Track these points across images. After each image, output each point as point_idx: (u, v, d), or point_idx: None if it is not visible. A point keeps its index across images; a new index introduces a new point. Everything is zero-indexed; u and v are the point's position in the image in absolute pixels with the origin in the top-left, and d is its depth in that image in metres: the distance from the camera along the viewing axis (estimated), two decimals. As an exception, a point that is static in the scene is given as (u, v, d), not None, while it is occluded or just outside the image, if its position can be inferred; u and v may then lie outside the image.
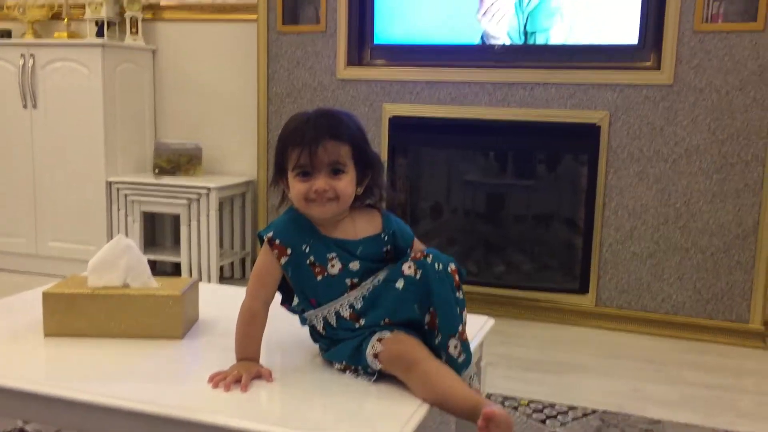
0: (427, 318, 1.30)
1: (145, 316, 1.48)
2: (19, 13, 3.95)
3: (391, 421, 1.18)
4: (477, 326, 1.62)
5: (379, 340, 1.30)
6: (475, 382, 1.33)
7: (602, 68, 3.00)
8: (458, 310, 1.31)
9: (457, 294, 1.32)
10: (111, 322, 1.48)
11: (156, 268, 3.84)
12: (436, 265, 1.30)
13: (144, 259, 1.56)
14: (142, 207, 3.52)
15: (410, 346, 1.29)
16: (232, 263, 3.76)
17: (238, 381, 1.28)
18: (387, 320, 1.33)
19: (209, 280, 3.47)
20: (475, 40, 3.12)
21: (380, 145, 3.23)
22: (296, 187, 1.34)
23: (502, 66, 3.11)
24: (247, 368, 1.31)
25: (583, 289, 3.08)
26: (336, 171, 1.33)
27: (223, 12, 3.72)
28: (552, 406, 2.22)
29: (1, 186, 3.74)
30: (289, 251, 1.35)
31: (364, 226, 1.40)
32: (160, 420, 1.18)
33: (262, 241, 1.38)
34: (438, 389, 1.24)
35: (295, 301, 1.39)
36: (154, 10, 3.83)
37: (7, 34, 3.92)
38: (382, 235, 1.40)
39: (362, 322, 1.35)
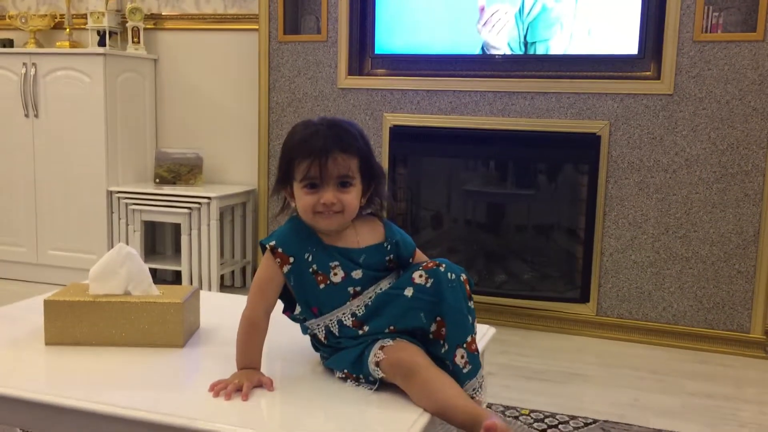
0: (433, 327, 1.30)
1: (147, 324, 1.48)
2: (21, 22, 3.97)
3: (392, 428, 1.18)
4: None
5: (381, 348, 1.30)
6: (479, 394, 1.32)
7: (602, 78, 3.01)
8: (470, 319, 1.31)
9: (469, 303, 1.32)
10: (112, 330, 1.48)
11: (156, 277, 3.82)
12: (449, 275, 1.30)
13: (145, 267, 1.56)
14: (142, 216, 3.52)
15: (412, 353, 1.28)
16: (232, 272, 3.76)
17: (239, 390, 1.28)
18: (392, 328, 1.32)
19: (210, 289, 3.47)
20: (476, 50, 3.13)
21: (381, 154, 3.23)
22: (304, 199, 1.33)
23: (502, 76, 3.12)
24: (248, 377, 1.31)
25: (584, 299, 3.08)
26: (343, 183, 1.33)
27: (225, 22, 3.74)
28: (553, 415, 2.21)
29: (2, 194, 3.75)
30: (291, 260, 1.34)
31: (367, 235, 1.40)
32: (161, 428, 1.18)
33: (264, 250, 1.38)
34: (438, 398, 1.23)
35: (298, 309, 1.39)
36: (156, 19, 3.85)
37: (10, 43, 3.93)
38: (385, 244, 1.40)
39: (366, 329, 1.35)
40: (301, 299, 1.37)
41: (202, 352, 1.50)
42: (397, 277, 1.39)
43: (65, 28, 3.91)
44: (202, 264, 3.48)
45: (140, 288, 1.53)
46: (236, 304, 1.94)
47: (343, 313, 1.36)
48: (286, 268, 1.35)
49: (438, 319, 1.29)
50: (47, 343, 1.48)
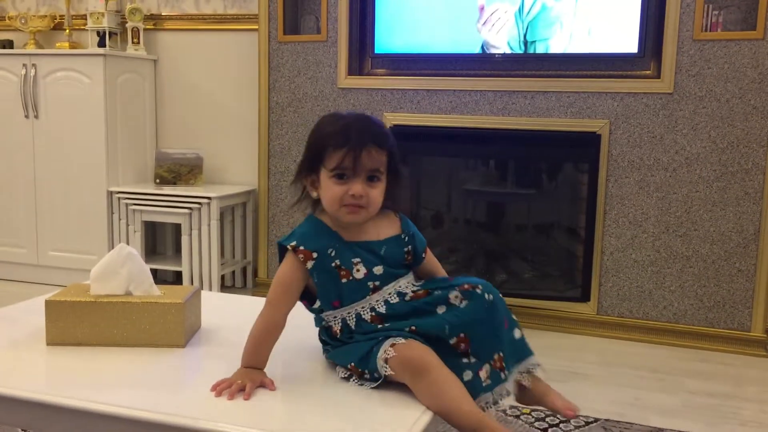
0: (453, 340, 1.30)
1: (148, 324, 1.48)
2: (21, 23, 3.97)
3: (395, 426, 1.18)
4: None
5: (392, 345, 1.29)
6: (491, 408, 1.32)
7: (602, 77, 3.01)
8: (501, 339, 1.34)
9: (512, 316, 1.38)
10: (113, 330, 1.48)
11: (157, 277, 3.80)
12: (487, 296, 1.33)
13: (146, 267, 1.56)
14: (143, 216, 3.52)
15: (423, 352, 1.28)
16: (233, 272, 3.76)
17: (242, 390, 1.28)
18: (413, 328, 1.32)
19: (210, 289, 3.47)
20: (476, 50, 3.13)
21: (381, 153, 3.23)
22: (332, 189, 1.33)
23: (502, 75, 3.12)
24: (251, 377, 1.30)
25: (585, 298, 3.08)
26: (371, 178, 1.34)
27: (224, 22, 3.74)
28: (554, 414, 2.22)
29: (3, 195, 3.75)
30: (315, 255, 1.34)
31: (385, 228, 1.42)
32: (162, 428, 1.18)
33: (281, 251, 1.38)
34: (445, 400, 1.24)
35: (317, 303, 1.38)
36: (156, 20, 3.85)
37: (9, 44, 3.94)
38: (403, 236, 1.42)
39: (386, 325, 1.35)
40: (323, 293, 1.36)
41: (203, 352, 1.50)
42: (414, 276, 1.42)
43: (65, 29, 3.92)
44: (202, 264, 3.48)
45: (141, 288, 1.52)
46: (237, 304, 1.95)
47: (362, 307, 1.36)
48: (310, 264, 1.34)
49: (461, 335, 1.30)
50: (48, 344, 1.48)
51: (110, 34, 3.79)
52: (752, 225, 2.83)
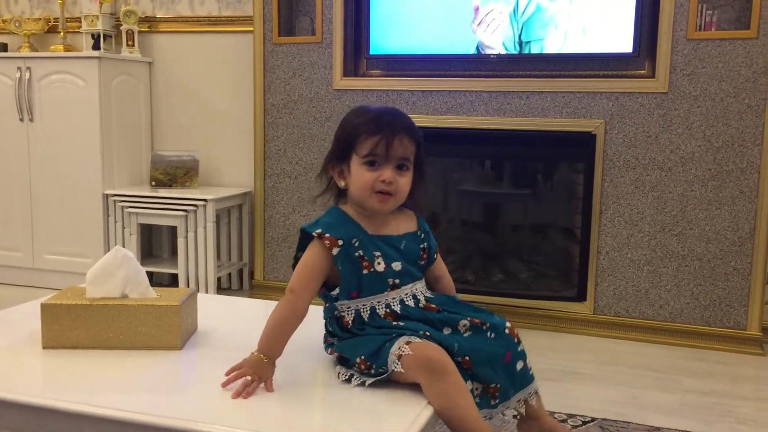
0: (459, 358, 1.33)
1: (144, 327, 1.48)
2: (15, 26, 3.96)
3: (396, 420, 1.19)
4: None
5: (408, 343, 1.30)
6: (489, 422, 1.36)
7: (597, 77, 3.02)
8: (503, 374, 1.38)
9: (518, 348, 1.42)
10: (109, 333, 1.48)
11: (153, 280, 3.83)
12: (489, 334, 1.38)
13: (142, 269, 1.56)
14: (138, 219, 3.52)
15: (443, 355, 1.30)
16: (229, 274, 3.76)
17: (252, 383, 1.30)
18: (427, 334, 1.34)
19: (207, 292, 3.46)
20: (471, 50, 3.13)
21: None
22: (364, 176, 1.37)
23: (497, 75, 3.13)
24: (261, 373, 1.31)
25: (581, 297, 3.09)
26: (401, 166, 1.38)
27: (219, 24, 3.74)
28: (551, 414, 2.21)
29: (-2, 199, 3.74)
30: (340, 242, 1.37)
31: (404, 224, 1.46)
32: (159, 431, 1.18)
33: (303, 237, 1.40)
34: (459, 404, 1.27)
35: (336, 291, 1.39)
36: (150, 22, 3.85)
37: (3, 47, 3.93)
38: (419, 233, 1.47)
39: (400, 324, 1.37)
40: (344, 282, 1.38)
41: (199, 354, 1.50)
42: (426, 285, 1.48)
43: (59, 32, 3.91)
44: (198, 266, 3.47)
45: (137, 291, 1.52)
46: (233, 306, 1.95)
47: (379, 302, 1.39)
48: (335, 251, 1.36)
49: (466, 357, 1.33)
50: (44, 347, 1.48)
51: (105, 36, 3.79)
52: (747, 224, 2.84)
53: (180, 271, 3.49)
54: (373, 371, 1.32)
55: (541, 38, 3.03)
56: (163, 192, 3.53)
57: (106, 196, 3.57)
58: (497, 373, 1.37)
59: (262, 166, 3.46)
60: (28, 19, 3.98)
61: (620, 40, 2.93)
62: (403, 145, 1.37)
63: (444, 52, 3.19)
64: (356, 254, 1.37)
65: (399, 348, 1.30)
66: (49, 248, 3.69)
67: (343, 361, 1.39)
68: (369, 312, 1.38)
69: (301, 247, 1.42)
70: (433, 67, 3.27)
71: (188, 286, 3.47)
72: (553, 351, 2.86)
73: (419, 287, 1.44)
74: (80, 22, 3.83)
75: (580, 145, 3.02)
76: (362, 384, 1.32)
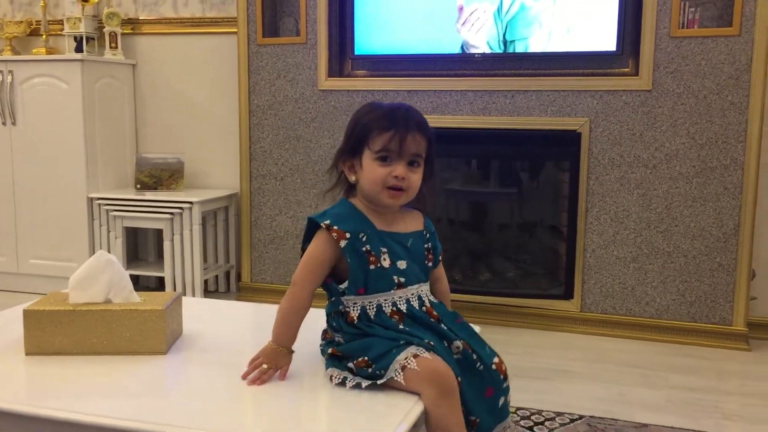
0: (458, 378, 1.34)
1: (128, 332, 1.46)
2: (-3, 29, 3.92)
3: (390, 415, 1.19)
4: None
5: (415, 356, 1.30)
6: None
7: (581, 75, 3.03)
8: (477, 407, 1.38)
9: (504, 384, 1.42)
10: (93, 339, 1.46)
11: (139, 283, 3.81)
12: (477, 365, 1.38)
13: (126, 274, 1.55)
14: (124, 222, 3.50)
15: (452, 373, 1.31)
16: (216, 277, 3.74)
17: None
18: (431, 343, 1.34)
19: (194, 294, 3.44)
20: (455, 50, 3.13)
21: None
22: (377, 171, 1.37)
23: (482, 75, 3.13)
24: (276, 362, 1.35)
25: (568, 295, 3.10)
26: (412, 162, 1.39)
27: (203, 25, 3.72)
28: (539, 412, 2.22)
29: (-19, 204, 3.71)
30: (348, 235, 1.37)
31: (411, 223, 1.47)
32: (144, 436, 1.17)
33: (311, 226, 1.40)
34: (458, 425, 1.30)
35: (344, 284, 1.39)
36: (133, 24, 3.82)
37: (-15, 50, 3.89)
38: (424, 233, 1.49)
39: (406, 328, 1.37)
40: (353, 277, 1.38)
41: (185, 358, 1.49)
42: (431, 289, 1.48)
43: (42, 35, 3.88)
44: (185, 269, 3.46)
45: (121, 295, 1.51)
46: (219, 309, 1.94)
47: (385, 300, 1.39)
48: (343, 243, 1.36)
49: (458, 379, 1.34)
50: (28, 353, 1.47)
51: (88, 39, 3.76)
52: (732, 220, 2.86)
53: (167, 274, 3.47)
54: (370, 371, 1.32)
55: (526, 37, 3.04)
56: (148, 195, 3.51)
57: (91, 200, 3.54)
58: (477, 407, 1.38)
59: (248, 167, 3.45)
60: (10, 22, 3.94)
61: (604, 38, 2.94)
62: (416, 142, 1.38)
63: (429, 52, 3.19)
64: (363, 249, 1.37)
65: (406, 359, 1.30)
66: (33, 253, 3.66)
67: (335, 362, 1.38)
68: (375, 309, 1.38)
69: (308, 237, 1.42)
70: (418, 66, 3.27)
71: (175, 289, 3.45)
72: (541, 349, 2.86)
73: (425, 289, 1.44)
74: (63, 24, 3.80)
75: (566, 144, 3.03)
76: (357, 386, 1.31)
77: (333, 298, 1.43)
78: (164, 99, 3.83)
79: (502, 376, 1.42)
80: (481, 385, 1.39)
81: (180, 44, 3.77)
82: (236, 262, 3.74)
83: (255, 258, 3.49)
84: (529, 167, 3.37)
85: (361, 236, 1.37)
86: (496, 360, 1.42)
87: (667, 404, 2.34)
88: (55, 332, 1.46)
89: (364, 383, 1.31)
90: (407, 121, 1.37)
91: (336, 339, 1.41)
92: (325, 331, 1.47)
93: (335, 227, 1.36)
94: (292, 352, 1.39)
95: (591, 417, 2.20)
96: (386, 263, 1.38)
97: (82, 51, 3.71)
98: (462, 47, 3.13)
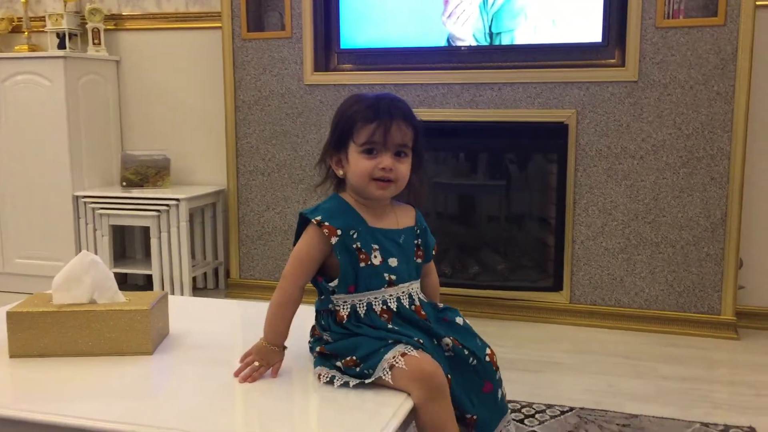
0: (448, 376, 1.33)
1: (113, 332, 1.45)
2: (-22, 27, 3.88)
3: (379, 414, 1.18)
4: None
5: (403, 355, 1.29)
6: None
7: (568, 67, 3.02)
8: (473, 402, 1.37)
9: (496, 375, 1.41)
10: (78, 340, 1.45)
11: (127, 282, 3.79)
12: (470, 360, 1.37)
13: (110, 274, 1.53)
14: (110, 221, 3.47)
15: (442, 372, 1.30)
16: (205, 274, 3.72)
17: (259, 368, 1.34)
18: (420, 341, 1.33)
19: (182, 292, 3.43)
20: (441, 42, 3.12)
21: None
22: (362, 164, 1.36)
23: (468, 67, 3.12)
24: (268, 359, 1.34)
25: (557, 287, 3.10)
26: (399, 153, 1.37)
27: (187, 21, 3.69)
28: (530, 405, 2.22)
29: (-35, 204, 3.67)
30: (339, 232, 1.35)
31: (404, 218, 1.46)
32: (130, 438, 1.16)
33: (302, 221, 1.39)
34: (450, 428, 1.29)
35: (335, 282, 1.37)
36: (116, 20, 3.78)
37: (-34, 48, 3.85)
38: (415, 228, 1.47)
39: (395, 327, 1.35)
40: (343, 275, 1.36)
41: (171, 358, 1.48)
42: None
43: (23, 32, 3.84)
44: (173, 267, 3.43)
45: (106, 296, 1.49)
46: (206, 307, 1.93)
47: (375, 298, 1.37)
48: (334, 240, 1.35)
49: (448, 376, 1.33)
50: (12, 356, 1.45)
51: (70, 35, 3.72)
52: (719, 210, 2.87)
53: (154, 272, 3.45)
54: (358, 370, 1.31)
55: (512, 29, 3.03)
56: (134, 192, 3.49)
57: (76, 198, 3.51)
58: (474, 404, 1.37)
59: (235, 163, 3.42)
60: (-9, 19, 3.90)
61: (590, 29, 2.93)
62: (401, 132, 1.36)
63: (415, 45, 3.18)
64: (354, 246, 1.36)
65: (393, 357, 1.28)
66: (18, 252, 3.63)
67: (323, 361, 1.37)
68: (365, 308, 1.36)
69: (300, 233, 1.40)
70: (404, 60, 3.25)
71: (163, 287, 3.43)
72: (531, 341, 2.87)
73: (415, 287, 1.43)
74: (45, 21, 3.76)
75: (553, 136, 3.02)
76: (345, 385, 1.30)
77: (323, 296, 1.42)
78: (149, 95, 3.80)
79: (494, 368, 1.42)
80: (478, 381, 1.38)
81: (164, 40, 3.74)
82: (225, 258, 3.72)
83: (243, 254, 3.48)
84: (517, 160, 3.37)
85: (352, 233, 1.36)
86: (488, 352, 1.41)
87: (657, 394, 2.35)
88: (39, 334, 1.44)
89: (352, 382, 1.30)
90: (391, 111, 1.35)
91: (324, 337, 1.40)
92: (313, 328, 1.46)
93: (326, 223, 1.35)
94: (285, 348, 1.38)
95: (581, 409, 2.20)
96: (377, 261, 1.37)
97: (64, 48, 3.67)
98: (448, 40, 3.12)
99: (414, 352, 1.29)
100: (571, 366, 2.61)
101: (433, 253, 1.51)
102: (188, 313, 1.75)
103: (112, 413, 1.20)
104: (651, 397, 2.32)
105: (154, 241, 3.42)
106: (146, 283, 3.68)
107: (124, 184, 3.62)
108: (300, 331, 1.45)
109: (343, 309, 1.37)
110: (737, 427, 2.08)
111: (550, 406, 2.21)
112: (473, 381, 1.37)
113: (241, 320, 1.84)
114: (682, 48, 2.83)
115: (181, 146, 3.76)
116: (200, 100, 3.71)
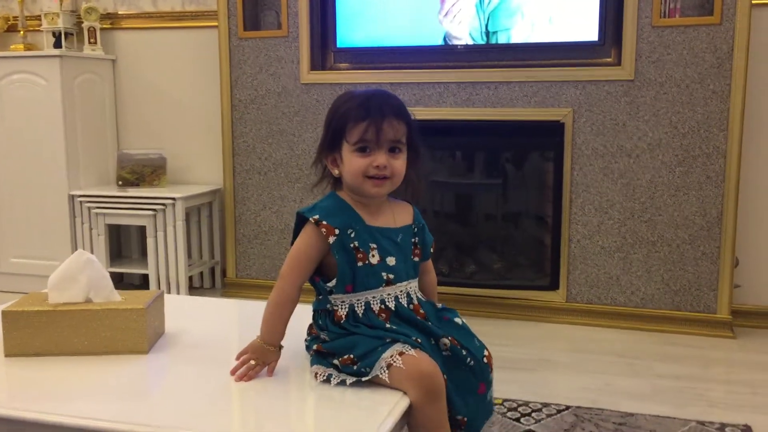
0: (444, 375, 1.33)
1: (109, 331, 1.45)
2: (-27, 25, 3.87)
3: (376, 412, 1.18)
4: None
5: (401, 354, 1.29)
6: None
7: (564, 66, 3.02)
8: (467, 403, 1.36)
9: (490, 376, 1.41)
10: (74, 339, 1.44)
11: (123, 281, 3.78)
12: (468, 360, 1.36)
13: (106, 273, 1.52)
14: (106, 220, 3.46)
15: (440, 375, 1.30)
16: (201, 273, 3.72)
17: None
18: (418, 340, 1.33)
19: (178, 291, 3.42)
20: (438, 41, 3.12)
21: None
22: (357, 163, 1.35)
23: (465, 66, 3.12)
24: (264, 358, 1.34)
25: (554, 286, 3.10)
26: (393, 149, 1.36)
27: (183, 19, 3.68)
28: (526, 403, 2.22)
29: (-40, 203, 3.66)
30: (337, 231, 1.35)
31: (401, 216, 1.45)
32: (126, 438, 1.16)
33: (300, 220, 1.38)
34: (439, 427, 1.28)
35: (332, 282, 1.37)
36: (112, 19, 3.78)
37: (-39, 47, 3.84)
38: (413, 227, 1.46)
39: (393, 327, 1.35)
40: (341, 274, 1.36)
41: (167, 357, 1.47)
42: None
43: (19, 31, 3.83)
44: (169, 266, 3.43)
45: (102, 295, 1.49)
46: (202, 306, 1.92)
47: (373, 297, 1.37)
48: (331, 239, 1.34)
49: (444, 376, 1.32)
50: (7, 355, 1.44)
51: (66, 34, 3.71)
52: (715, 208, 2.87)
53: (150, 271, 3.45)
54: (355, 368, 1.30)
55: (508, 28, 3.03)
56: (130, 191, 3.48)
57: (72, 197, 3.50)
58: (467, 405, 1.36)
59: (231, 162, 3.42)
60: (-14, 17, 3.89)
61: (586, 28, 2.93)
62: (393, 128, 1.35)
63: (411, 44, 3.18)
64: (351, 245, 1.35)
65: (391, 356, 1.28)
66: (14, 251, 3.62)
67: (320, 359, 1.37)
68: (364, 307, 1.36)
69: (298, 232, 1.40)
70: (400, 59, 3.25)
71: (159, 287, 3.43)
72: (527, 340, 2.87)
73: (413, 286, 1.42)
74: (40, 20, 3.75)
75: (549, 134, 3.03)
76: (342, 383, 1.30)
77: (320, 296, 1.42)
78: (145, 94, 3.79)
79: (489, 369, 1.41)
80: (474, 383, 1.37)
81: (160, 39, 3.73)
82: (221, 257, 3.72)
83: (240, 253, 3.47)
84: (513, 158, 3.37)
85: (349, 232, 1.36)
86: (486, 353, 1.41)
87: (653, 393, 2.35)
88: (34, 333, 1.44)
89: (349, 380, 1.30)
90: (382, 108, 1.34)
91: (321, 336, 1.40)
92: (310, 327, 1.46)
93: (324, 222, 1.34)
94: (281, 347, 1.37)
95: (577, 407, 2.20)
96: (375, 260, 1.36)
97: (60, 47, 3.67)
98: (444, 39, 3.12)
99: (412, 352, 1.29)
100: (567, 365, 2.62)
101: (431, 251, 1.50)
102: (184, 312, 1.74)
103: (107, 412, 1.20)
104: (647, 396, 2.32)
105: (150, 241, 3.41)
106: (142, 283, 3.68)
107: (121, 183, 3.62)
108: (296, 329, 1.45)
109: (341, 309, 1.37)
110: (733, 425, 2.09)
111: (546, 405, 2.21)
112: (469, 382, 1.37)
113: (237, 319, 1.84)
114: (678, 47, 2.84)
115: (178, 145, 3.76)
116: (197, 99, 3.70)
